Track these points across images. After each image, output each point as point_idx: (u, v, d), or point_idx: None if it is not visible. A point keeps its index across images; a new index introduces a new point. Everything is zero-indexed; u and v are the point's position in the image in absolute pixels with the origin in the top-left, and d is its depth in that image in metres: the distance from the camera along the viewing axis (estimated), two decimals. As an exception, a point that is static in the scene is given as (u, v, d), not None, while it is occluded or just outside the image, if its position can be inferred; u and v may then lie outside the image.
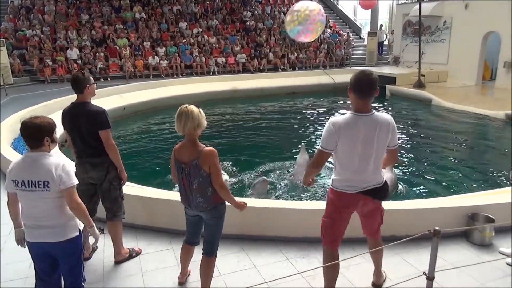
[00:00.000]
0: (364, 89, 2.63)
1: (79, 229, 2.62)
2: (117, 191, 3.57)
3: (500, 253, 3.74)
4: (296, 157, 6.83)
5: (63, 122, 3.49)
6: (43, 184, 2.42)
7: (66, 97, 9.27)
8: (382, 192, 2.84)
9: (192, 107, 2.80)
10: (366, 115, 2.66)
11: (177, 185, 3.10)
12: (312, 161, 2.82)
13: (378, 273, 3.23)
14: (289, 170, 6.72)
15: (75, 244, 2.60)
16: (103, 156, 3.41)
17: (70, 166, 2.53)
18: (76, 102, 3.44)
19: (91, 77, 3.48)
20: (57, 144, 2.67)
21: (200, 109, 2.84)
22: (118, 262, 3.63)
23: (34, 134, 2.45)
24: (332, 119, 2.69)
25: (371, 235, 3.07)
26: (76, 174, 3.49)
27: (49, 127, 2.50)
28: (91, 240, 2.70)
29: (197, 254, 3.22)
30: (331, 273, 2.91)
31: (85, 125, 3.36)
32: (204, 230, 3.08)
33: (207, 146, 2.83)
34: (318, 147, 2.77)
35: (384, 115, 2.74)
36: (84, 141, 3.41)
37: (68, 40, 16.39)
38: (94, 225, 2.66)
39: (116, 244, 3.64)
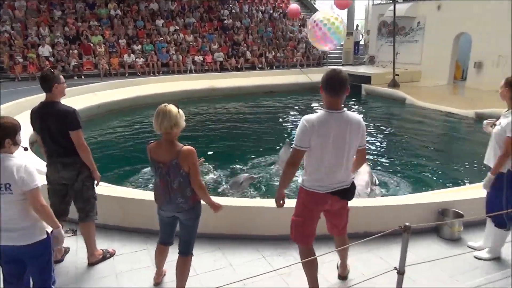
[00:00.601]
0: (335, 87, 2.68)
1: (46, 231, 2.55)
2: (90, 191, 3.51)
3: (469, 247, 3.87)
4: (278, 154, 6.93)
5: (32, 122, 3.39)
6: (4, 187, 2.34)
7: (38, 95, 9.00)
8: (349, 193, 2.91)
9: (171, 107, 2.77)
10: (338, 112, 2.71)
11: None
12: (287, 161, 2.80)
13: (343, 265, 3.34)
14: (271, 167, 6.78)
15: (44, 246, 2.53)
16: (74, 156, 3.34)
17: (33, 167, 2.45)
18: (45, 102, 3.35)
19: (61, 76, 3.38)
20: (21, 147, 2.58)
21: (179, 109, 2.81)
22: (91, 263, 3.55)
23: None
24: (306, 116, 2.71)
25: (337, 234, 3.14)
26: (47, 174, 3.41)
27: (12, 129, 2.42)
28: (55, 241, 2.62)
29: (172, 254, 3.20)
30: (309, 269, 2.95)
31: (54, 125, 3.28)
32: (180, 230, 3.06)
33: (185, 145, 2.82)
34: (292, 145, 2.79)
35: (355, 115, 2.80)
36: (55, 141, 3.33)
37: (40, 36, 15.93)
38: (60, 226, 2.59)
39: (89, 246, 3.56)
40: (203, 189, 2.87)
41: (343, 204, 2.98)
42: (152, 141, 2.91)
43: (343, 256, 3.27)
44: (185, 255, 3.02)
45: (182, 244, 3.03)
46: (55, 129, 3.28)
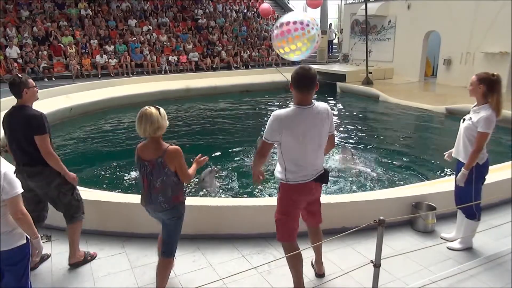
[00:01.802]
0: (305, 83, 2.77)
1: (26, 236, 2.49)
2: (67, 196, 3.43)
3: (442, 238, 4.00)
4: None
5: (3, 126, 3.30)
6: None
7: (5, 98, 8.71)
8: (327, 176, 3.03)
9: (152, 110, 2.80)
10: (308, 107, 2.81)
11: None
12: (257, 151, 2.93)
13: (319, 262, 3.37)
14: (247, 162, 6.83)
15: (23, 252, 2.47)
16: (40, 166, 3.23)
17: (13, 174, 2.39)
18: (16, 106, 3.27)
19: (30, 80, 3.27)
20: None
21: (161, 110, 2.85)
22: (72, 264, 3.51)
23: None
24: (276, 112, 2.80)
25: (315, 221, 3.20)
26: None
27: None
28: (33, 253, 2.57)
29: (154, 256, 3.17)
30: (295, 265, 2.98)
31: (21, 131, 3.19)
32: (162, 231, 3.05)
33: (171, 145, 2.86)
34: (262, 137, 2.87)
35: (322, 104, 2.93)
36: (20, 148, 3.24)
37: (7, 37, 15.40)
38: (39, 236, 2.54)
39: (72, 246, 3.51)
40: (190, 177, 2.98)
41: (320, 189, 3.12)
42: (140, 142, 2.97)
43: (318, 251, 3.32)
44: (166, 256, 3.00)
45: (164, 246, 3.02)
46: (21, 134, 3.19)
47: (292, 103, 2.87)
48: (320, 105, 2.90)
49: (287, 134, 2.75)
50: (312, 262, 3.45)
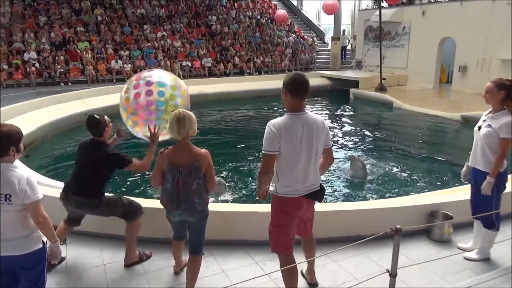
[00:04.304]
0: (300, 88, 2.74)
1: (42, 240, 2.52)
2: (117, 206, 3.51)
3: (459, 248, 3.91)
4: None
5: (79, 153, 3.56)
6: (4, 197, 2.32)
7: (23, 102, 8.90)
8: (321, 194, 2.95)
9: (188, 112, 2.94)
10: (302, 113, 2.76)
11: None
12: (260, 169, 2.81)
13: (311, 271, 3.31)
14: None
15: (39, 256, 2.49)
16: (92, 198, 3.42)
17: (35, 179, 2.43)
18: (95, 140, 3.52)
19: (106, 117, 3.63)
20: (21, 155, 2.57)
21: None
22: (127, 265, 3.58)
23: (1, 143, 2.35)
24: (271, 122, 2.74)
25: (306, 234, 3.15)
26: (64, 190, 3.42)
27: (17, 136, 2.42)
28: (52, 253, 2.61)
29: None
30: (290, 279, 2.90)
31: (93, 164, 3.39)
32: (189, 232, 3.19)
33: (201, 148, 2.99)
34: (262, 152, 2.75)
35: (317, 115, 2.88)
36: (84, 179, 3.40)
37: (25, 43, 15.74)
38: (58, 240, 2.58)
39: (128, 247, 3.58)
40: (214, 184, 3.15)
41: (313, 206, 3.06)
42: (167, 148, 3.00)
43: (311, 260, 3.23)
44: (196, 254, 3.17)
45: (193, 245, 3.17)
46: (91, 168, 3.39)
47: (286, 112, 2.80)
48: (315, 115, 2.87)
49: (285, 141, 2.68)
50: (302, 271, 3.39)
